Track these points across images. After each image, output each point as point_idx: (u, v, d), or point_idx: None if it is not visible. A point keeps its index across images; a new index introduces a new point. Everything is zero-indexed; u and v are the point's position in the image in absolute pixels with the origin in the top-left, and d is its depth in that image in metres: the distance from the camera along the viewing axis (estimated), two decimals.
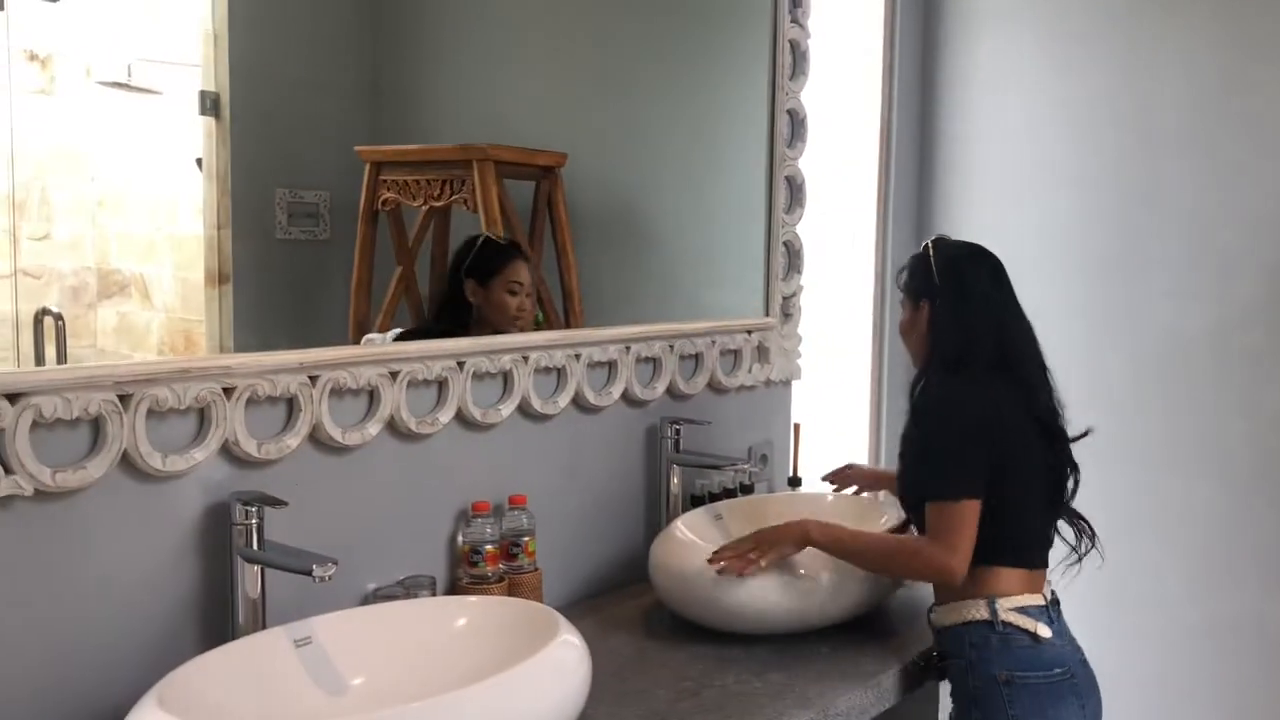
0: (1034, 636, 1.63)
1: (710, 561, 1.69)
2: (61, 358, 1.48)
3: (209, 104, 1.63)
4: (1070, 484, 1.75)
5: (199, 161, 1.64)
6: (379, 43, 1.89)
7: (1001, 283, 1.77)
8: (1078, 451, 1.76)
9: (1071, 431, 1.75)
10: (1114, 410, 1.79)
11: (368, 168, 1.83)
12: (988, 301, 1.74)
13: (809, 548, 1.69)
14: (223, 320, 1.66)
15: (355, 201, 1.82)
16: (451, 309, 1.87)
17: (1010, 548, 1.67)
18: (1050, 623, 1.65)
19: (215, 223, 1.65)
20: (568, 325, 2.03)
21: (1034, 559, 1.70)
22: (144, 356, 1.59)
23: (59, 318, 1.50)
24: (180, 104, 1.63)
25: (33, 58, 1.48)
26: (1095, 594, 1.81)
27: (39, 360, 1.45)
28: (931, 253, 1.78)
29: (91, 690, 1.33)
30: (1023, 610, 1.64)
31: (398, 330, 1.83)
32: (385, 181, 1.85)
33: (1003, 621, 1.63)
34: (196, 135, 1.63)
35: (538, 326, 1.97)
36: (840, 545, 1.69)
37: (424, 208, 1.89)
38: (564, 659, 1.32)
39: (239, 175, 1.65)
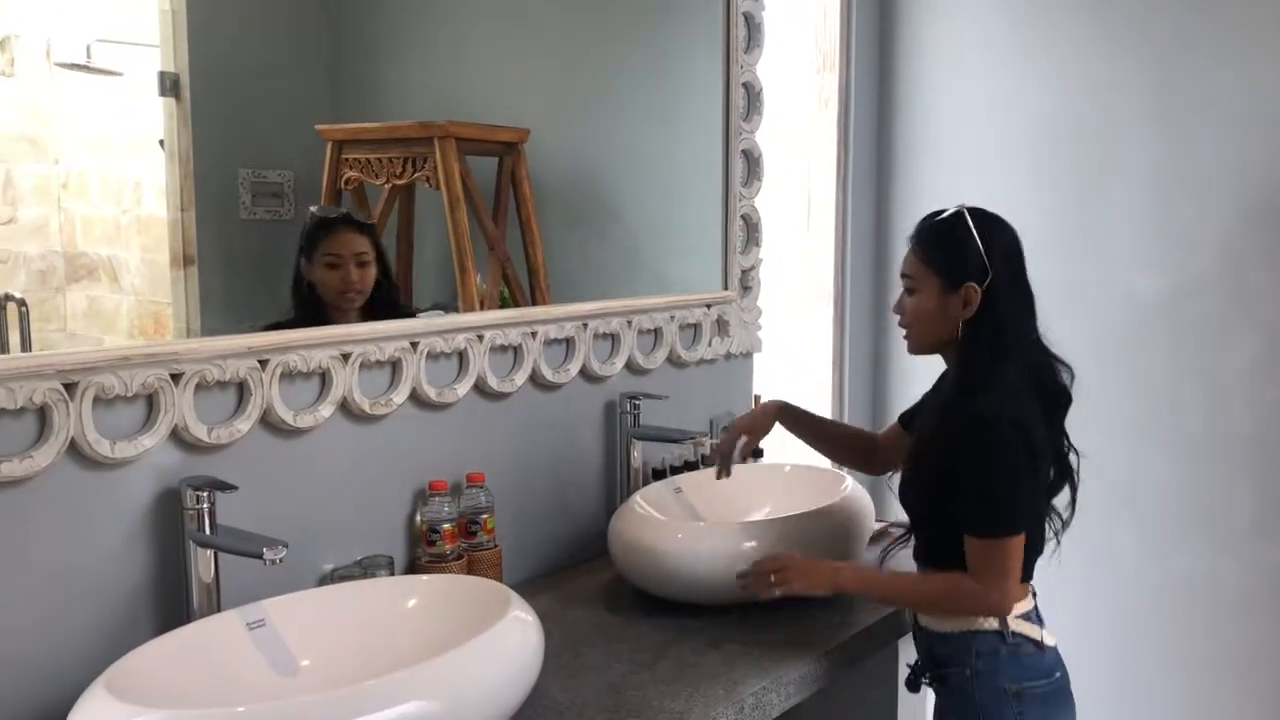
0: (1038, 644, 1.58)
1: (739, 575, 1.65)
2: (26, 344, 1.47)
3: (169, 85, 1.61)
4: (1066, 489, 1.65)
5: (162, 143, 1.63)
6: (339, 20, 1.88)
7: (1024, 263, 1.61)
8: None
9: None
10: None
11: (330, 146, 1.83)
12: (1029, 289, 1.58)
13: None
14: (189, 303, 1.65)
15: (319, 181, 1.82)
16: (297, 291, 1.75)
17: (1024, 565, 1.58)
18: (1043, 624, 1.61)
19: (179, 204, 1.64)
20: (534, 301, 2.04)
21: (1033, 568, 1.62)
22: (115, 340, 1.58)
23: (22, 303, 1.49)
24: (141, 85, 1.61)
25: None
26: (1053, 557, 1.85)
27: (2, 347, 1.44)
28: (974, 227, 1.55)
29: (47, 678, 1.33)
30: (1026, 617, 1.59)
31: None
32: (348, 160, 1.85)
33: (1012, 632, 1.57)
34: (158, 116, 1.62)
35: (503, 304, 1.98)
36: (877, 590, 1.65)
37: (387, 186, 1.89)
38: (514, 634, 1.32)
39: (201, 156, 1.64)
